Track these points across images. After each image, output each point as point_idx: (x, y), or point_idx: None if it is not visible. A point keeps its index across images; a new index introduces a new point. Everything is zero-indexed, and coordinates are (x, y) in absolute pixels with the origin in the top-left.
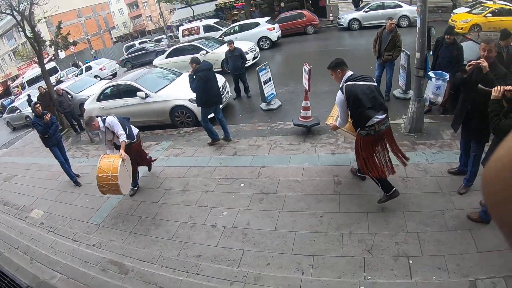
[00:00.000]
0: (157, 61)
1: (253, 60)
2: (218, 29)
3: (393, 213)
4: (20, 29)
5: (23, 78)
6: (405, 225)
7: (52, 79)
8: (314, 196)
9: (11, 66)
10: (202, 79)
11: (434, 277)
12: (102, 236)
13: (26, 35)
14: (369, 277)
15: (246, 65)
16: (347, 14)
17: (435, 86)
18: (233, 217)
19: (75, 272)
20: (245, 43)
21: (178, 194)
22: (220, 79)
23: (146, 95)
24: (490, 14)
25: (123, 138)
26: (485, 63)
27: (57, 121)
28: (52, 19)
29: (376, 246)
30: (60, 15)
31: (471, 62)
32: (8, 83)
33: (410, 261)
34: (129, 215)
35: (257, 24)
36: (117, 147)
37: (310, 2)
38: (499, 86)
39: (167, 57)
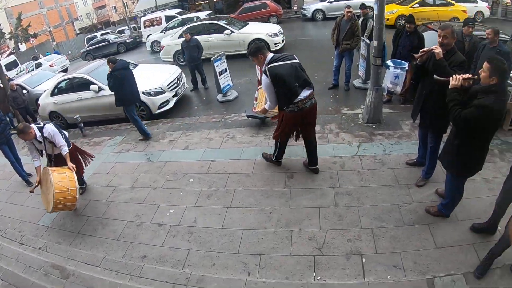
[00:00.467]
0: (166, 41)
1: (282, 43)
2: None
3: (347, 208)
4: None
5: None
6: (359, 220)
7: (13, 73)
8: (264, 191)
9: None
10: (117, 78)
11: (389, 276)
12: (50, 239)
13: None
14: (319, 277)
15: (277, 47)
16: (311, 5)
17: (393, 75)
18: (179, 214)
19: (17, 278)
20: (273, 26)
21: (127, 191)
22: (175, 70)
23: (100, 89)
24: (417, 5)
25: (66, 149)
26: (437, 50)
27: (13, 117)
28: (12, 10)
29: (327, 243)
30: (20, 6)
31: (423, 49)
32: None
33: (364, 259)
34: (77, 215)
35: (197, 18)
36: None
37: None
38: (456, 75)
39: (179, 37)
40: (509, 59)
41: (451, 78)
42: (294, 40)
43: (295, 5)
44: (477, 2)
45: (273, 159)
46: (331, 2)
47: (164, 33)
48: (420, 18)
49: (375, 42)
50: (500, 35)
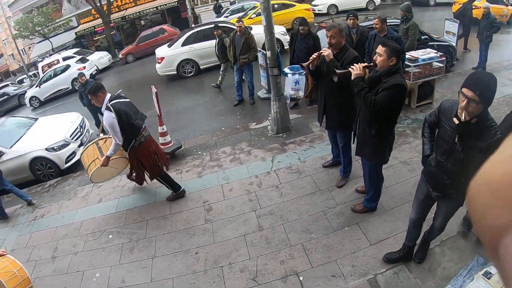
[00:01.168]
0: (165, 51)
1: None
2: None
3: (272, 228)
4: None
5: None
6: (288, 238)
7: None
8: (185, 231)
9: None
10: None
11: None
12: None
13: None
14: None
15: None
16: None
17: (293, 81)
18: (106, 277)
19: None
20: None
21: (49, 263)
22: (77, 118)
23: (1, 153)
24: (254, 15)
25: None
26: (326, 52)
27: None
28: None
29: (260, 271)
30: None
31: (312, 56)
32: None
33: (301, 278)
34: None
35: (68, 67)
36: None
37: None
38: (356, 64)
39: (183, 44)
40: (401, 43)
41: (350, 68)
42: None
43: (193, 25)
44: None
45: (175, 194)
46: (227, 17)
47: (39, 87)
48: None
49: (268, 53)
50: (391, 20)
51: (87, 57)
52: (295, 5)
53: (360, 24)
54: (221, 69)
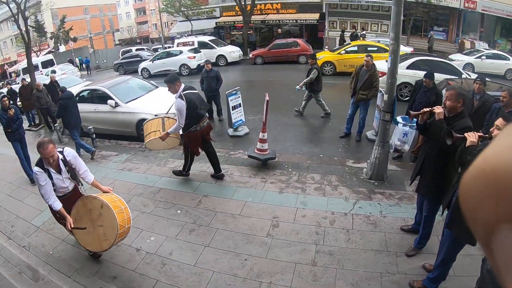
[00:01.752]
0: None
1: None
2: (212, 47)
3: (325, 268)
4: (19, 17)
5: (20, 65)
6: (334, 284)
7: (48, 71)
8: (245, 236)
9: (12, 51)
10: (62, 106)
11: None
12: (36, 240)
13: (18, 27)
14: None
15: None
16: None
17: (402, 132)
18: (158, 243)
19: None
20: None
21: None
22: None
23: (116, 104)
24: (344, 52)
25: (90, 175)
26: (438, 110)
27: (36, 114)
28: (57, 12)
29: None
30: (66, 9)
31: (424, 109)
32: (6, 67)
33: None
34: None
35: (181, 52)
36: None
37: (307, 32)
38: (473, 132)
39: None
40: None
41: (467, 135)
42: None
43: (326, 47)
44: (509, 59)
45: (183, 172)
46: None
47: (152, 62)
48: (348, 65)
49: (385, 96)
50: None
51: (158, 50)
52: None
53: (488, 92)
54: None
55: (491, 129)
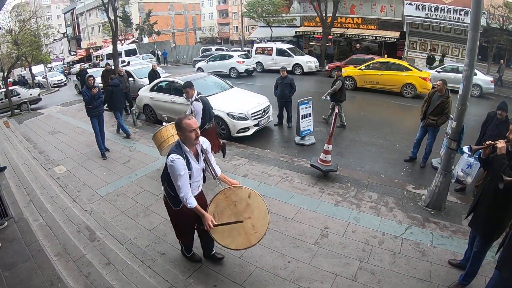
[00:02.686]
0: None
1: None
2: (289, 55)
3: (364, 286)
4: (109, 6)
5: (104, 50)
6: None
7: (130, 59)
8: (293, 240)
9: (98, 36)
10: (109, 91)
11: None
12: (98, 207)
13: (108, 16)
14: None
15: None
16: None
17: (466, 164)
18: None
19: (54, 223)
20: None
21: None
22: (264, 102)
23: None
24: (364, 68)
25: (219, 170)
26: (501, 144)
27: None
28: (144, 6)
29: None
30: (152, 4)
31: (485, 142)
32: (91, 51)
33: None
34: (130, 198)
35: (231, 56)
36: None
37: (386, 49)
38: None
39: (151, 89)
40: None
41: None
42: (394, 103)
43: None
44: None
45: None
46: (438, 72)
47: (207, 63)
48: (368, 81)
49: (454, 124)
50: None
51: (250, 55)
52: (411, 69)
53: None
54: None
55: None
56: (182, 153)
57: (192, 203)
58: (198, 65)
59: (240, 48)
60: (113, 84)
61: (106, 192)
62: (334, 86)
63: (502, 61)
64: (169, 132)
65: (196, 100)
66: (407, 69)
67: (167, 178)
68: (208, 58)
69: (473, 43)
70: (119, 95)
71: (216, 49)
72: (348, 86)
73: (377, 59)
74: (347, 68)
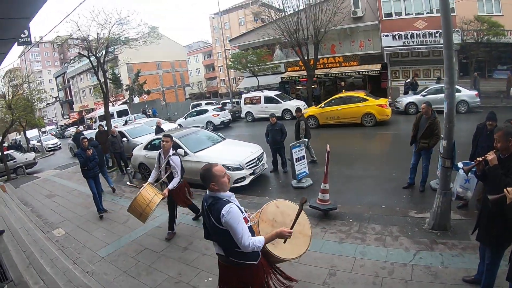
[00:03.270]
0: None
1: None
2: (278, 101)
3: None
4: (99, 69)
5: (97, 112)
6: None
7: (122, 120)
8: (301, 283)
9: (90, 99)
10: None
11: None
12: (100, 268)
13: (98, 79)
14: None
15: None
16: (405, 98)
17: (464, 179)
18: (215, 284)
19: (55, 286)
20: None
21: (179, 250)
22: (257, 150)
23: (185, 153)
24: (324, 105)
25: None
26: (490, 156)
27: (110, 158)
28: (133, 66)
29: None
30: (141, 64)
31: (477, 159)
32: (83, 114)
33: None
34: (131, 257)
35: (206, 111)
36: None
37: (370, 83)
38: (509, 188)
39: (145, 148)
40: None
41: (506, 191)
42: (384, 133)
43: (390, 97)
44: None
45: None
46: (424, 96)
47: (185, 119)
48: (329, 117)
49: (444, 142)
50: None
51: (226, 105)
52: (368, 99)
53: None
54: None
55: None
56: (227, 201)
57: (261, 239)
58: (178, 121)
59: (229, 100)
60: (92, 145)
61: (107, 252)
62: (302, 127)
63: (476, 73)
64: (149, 194)
65: (174, 154)
66: (364, 100)
67: (223, 237)
68: (185, 114)
69: (449, 60)
70: (98, 153)
71: (206, 103)
72: (312, 125)
73: (335, 96)
74: (309, 109)
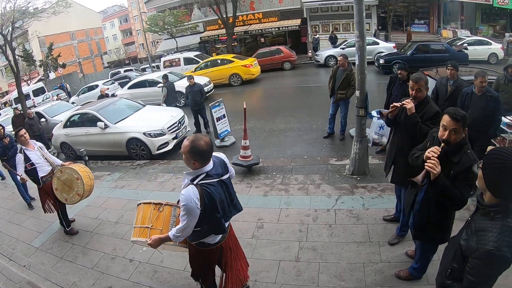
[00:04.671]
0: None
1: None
2: (197, 62)
3: (308, 263)
4: (6, 48)
5: (11, 95)
6: (318, 277)
7: (39, 99)
8: None
9: (2, 81)
10: None
11: None
12: (36, 259)
13: (6, 58)
14: None
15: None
16: (324, 51)
17: (378, 126)
18: (150, 253)
19: None
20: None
21: (111, 225)
22: (178, 114)
23: (106, 126)
24: (198, 69)
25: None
26: (409, 105)
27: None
28: (45, 39)
29: None
30: (53, 36)
31: (394, 104)
32: None
33: None
34: (65, 241)
35: (97, 86)
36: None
37: (291, 38)
38: (429, 161)
39: (64, 126)
40: (499, 103)
41: (428, 167)
42: (305, 86)
43: (310, 51)
44: (491, 44)
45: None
46: (343, 49)
47: (78, 96)
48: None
49: (357, 92)
50: (491, 78)
51: (146, 70)
52: (234, 61)
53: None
54: None
55: (441, 130)
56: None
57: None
58: (71, 100)
59: (148, 65)
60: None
61: (41, 242)
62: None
63: (409, 27)
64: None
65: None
66: (230, 62)
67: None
68: (78, 92)
69: (359, 15)
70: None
71: (125, 71)
72: None
73: (206, 59)
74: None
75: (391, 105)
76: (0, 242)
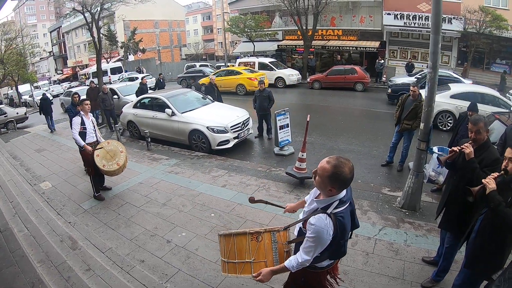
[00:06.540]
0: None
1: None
2: (271, 69)
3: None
4: (93, 26)
5: (90, 69)
6: None
7: (115, 77)
8: None
9: (84, 55)
10: (40, 103)
11: None
12: (82, 219)
13: (91, 35)
14: None
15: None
16: (398, 78)
17: (437, 163)
18: (188, 239)
19: (38, 234)
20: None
21: (158, 205)
22: (244, 115)
23: (173, 113)
24: (214, 76)
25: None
26: (468, 150)
27: (100, 115)
28: (129, 23)
29: None
30: (137, 22)
31: (452, 148)
32: (77, 70)
33: None
34: (112, 210)
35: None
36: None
37: (367, 59)
38: (491, 178)
39: (134, 106)
40: None
41: (485, 182)
42: (373, 110)
43: (385, 76)
44: None
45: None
46: (417, 79)
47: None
48: (218, 86)
49: (422, 125)
50: None
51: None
52: (242, 73)
53: None
54: None
55: (504, 162)
56: None
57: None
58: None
59: (223, 64)
60: (42, 98)
61: (90, 205)
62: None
63: (466, 64)
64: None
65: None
66: (239, 73)
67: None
68: (121, 79)
69: (435, 45)
70: (47, 105)
71: (200, 65)
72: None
73: (222, 69)
74: (204, 79)
75: (450, 149)
76: (53, 197)
